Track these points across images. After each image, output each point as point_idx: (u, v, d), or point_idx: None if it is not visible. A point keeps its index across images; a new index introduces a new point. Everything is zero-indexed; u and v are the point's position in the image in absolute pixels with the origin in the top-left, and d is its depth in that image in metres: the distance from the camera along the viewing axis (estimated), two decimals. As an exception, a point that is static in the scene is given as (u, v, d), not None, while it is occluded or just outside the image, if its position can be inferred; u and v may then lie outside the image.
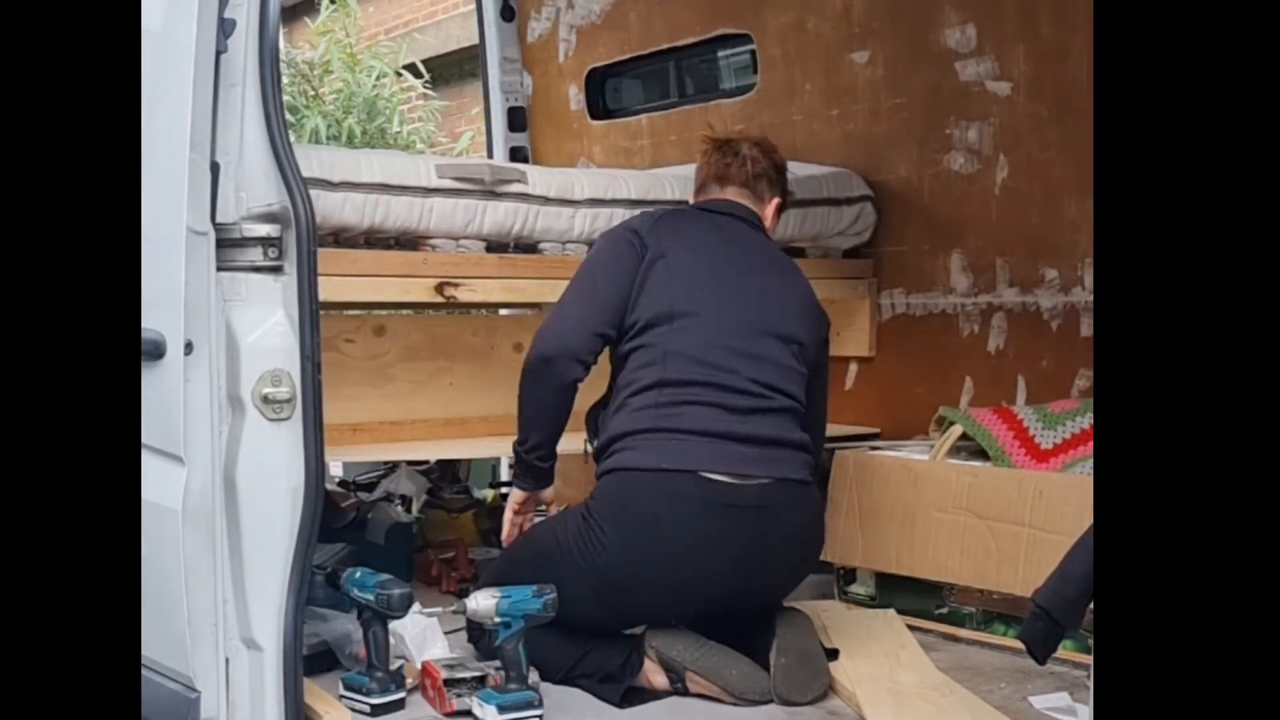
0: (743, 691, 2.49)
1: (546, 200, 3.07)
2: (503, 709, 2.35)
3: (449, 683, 2.45)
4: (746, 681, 2.50)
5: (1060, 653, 2.42)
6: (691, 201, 2.98)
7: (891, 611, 2.96)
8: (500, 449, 3.73)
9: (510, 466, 4.31)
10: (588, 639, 2.56)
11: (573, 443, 2.99)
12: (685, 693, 2.52)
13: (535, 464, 2.71)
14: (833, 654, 2.67)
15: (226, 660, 2.22)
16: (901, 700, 2.43)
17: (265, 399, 2.20)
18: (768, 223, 2.91)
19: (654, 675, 2.53)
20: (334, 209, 2.71)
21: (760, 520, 2.53)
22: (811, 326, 2.76)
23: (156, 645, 2.13)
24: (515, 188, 3.02)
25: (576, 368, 2.60)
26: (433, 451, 3.49)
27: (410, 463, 3.86)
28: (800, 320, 2.74)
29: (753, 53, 4.00)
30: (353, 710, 2.42)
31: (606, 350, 2.70)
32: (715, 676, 2.49)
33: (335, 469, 4.05)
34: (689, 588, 2.52)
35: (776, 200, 2.93)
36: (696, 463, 2.52)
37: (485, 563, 3.46)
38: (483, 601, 2.44)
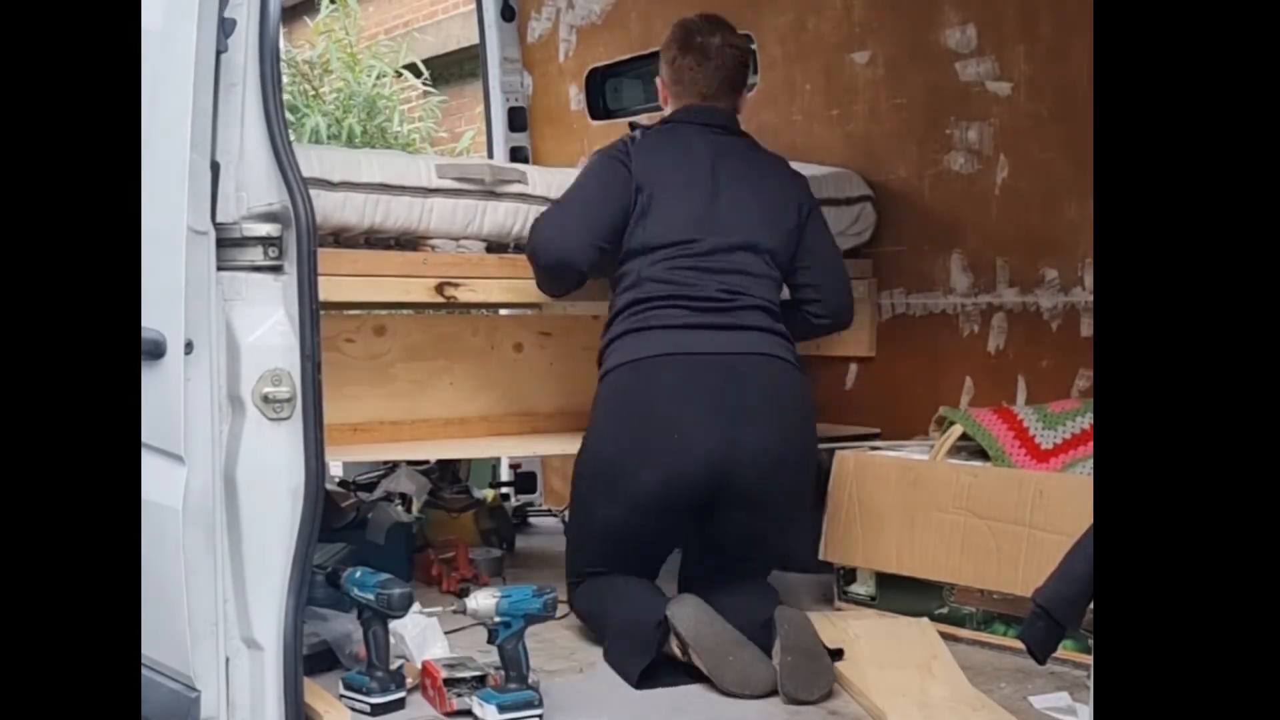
0: (730, 685, 2.52)
1: (547, 200, 3.07)
2: (503, 709, 2.36)
3: (449, 682, 2.45)
4: (737, 675, 2.53)
5: (1060, 653, 2.42)
6: (664, 107, 3.10)
7: (925, 621, 2.93)
8: (501, 449, 3.74)
9: (511, 466, 4.34)
10: (636, 610, 2.71)
11: (571, 445, 3.02)
12: (693, 668, 2.59)
13: None
14: (837, 654, 2.67)
15: (226, 660, 2.22)
16: (931, 714, 2.41)
17: (265, 398, 2.20)
18: (741, 113, 3.09)
19: (675, 643, 2.63)
20: (334, 209, 2.72)
21: (727, 380, 2.75)
22: (780, 228, 2.95)
23: (156, 645, 2.13)
24: (515, 188, 3.02)
25: (577, 273, 2.94)
26: (433, 451, 3.49)
27: (410, 463, 3.86)
28: (769, 228, 2.93)
29: (753, 52, 4.00)
30: (353, 710, 2.42)
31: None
32: (709, 659, 2.55)
33: (335, 469, 4.05)
34: (675, 442, 2.71)
35: (744, 89, 3.13)
36: (664, 348, 2.78)
37: (485, 563, 3.47)
38: (483, 601, 2.44)
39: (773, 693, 2.52)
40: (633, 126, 3.08)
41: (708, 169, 2.93)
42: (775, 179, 3.03)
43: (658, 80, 3.12)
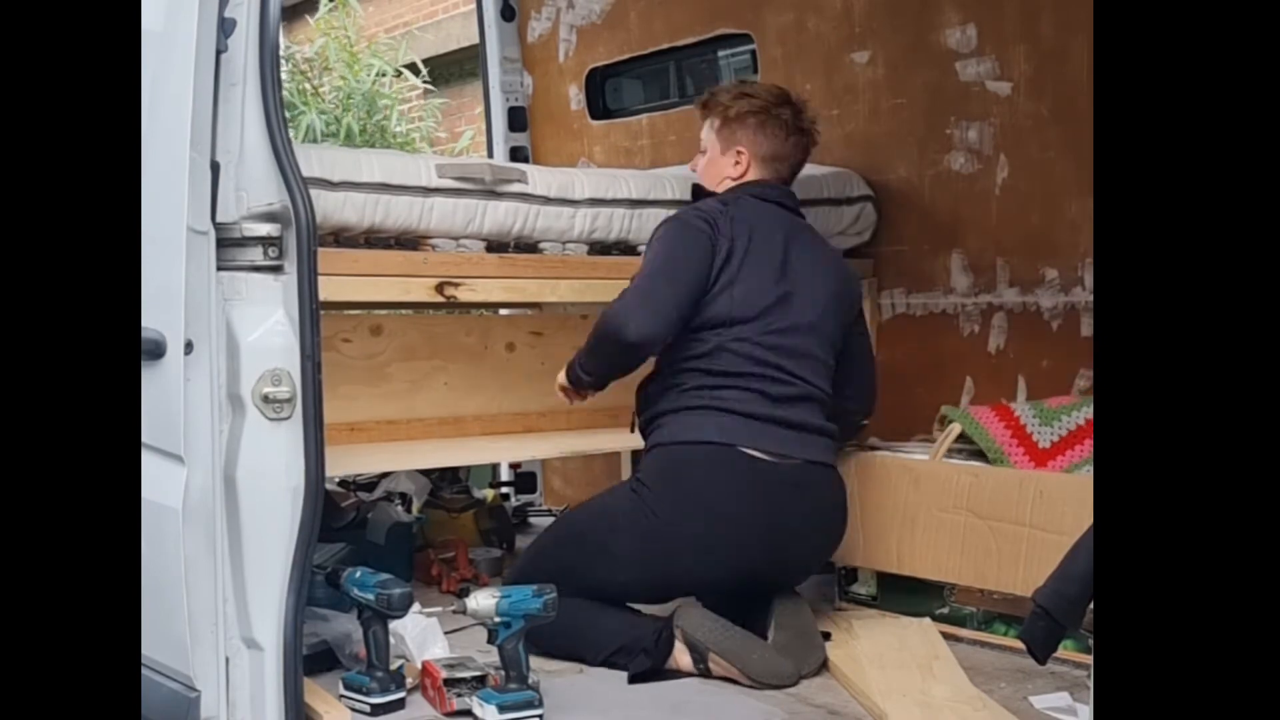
0: (760, 675, 2.60)
1: (547, 200, 3.07)
2: (503, 709, 2.36)
3: (449, 682, 2.45)
4: (766, 666, 2.61)
5: (1060, 652, 2.42)
6: (728, 171, 2.99)
7: (927, 621, 2.95)
8: (501, 453, 3.72)
9: (511, 466, 4.33)
10: (626, 624, 2.71)
11: (575, 445, 3.00)
12: (708, 674, 2.62)
13: (589, 384, 2.91)
14: (825, 636, 2.82)
15: (226, 660, 2.22)
16: (932, 714, 2.41)
17: (265, 398, 2.20)
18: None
19: (681, 656, 2.65)
20: (334, 208, 2.71)
21: (792, 496, 2.74)
22: (842, 316, 2.95)
23: (156, 645, 2.13)
24: (515, 187, 3.01)
25: (656, 348, 2.81)
26: (432, 459, 3.45)
27: (410, 462, 3.86)
28: (834, 316, 2.92)
29: (753, 53, 4.00)
30: (353, 710, 2.42)
31: None
32: (736, 659, 2.61)
33: (335, 469, 4.05)
34: (724, 552, 2.69)
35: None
36: (739, 439, 2.72)
37: (485, 563, 3.46)
38: (483, 601, 2.44)
39: (797, 682, 2.62)
40: (699, 193, 3.03)
41: (782, 248, 2.88)
42: (837, 272, 3.00)
43: (715, 138, 3.00)
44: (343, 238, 2.81)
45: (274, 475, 2.22)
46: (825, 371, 2.89)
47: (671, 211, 3.16)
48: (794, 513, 2.75)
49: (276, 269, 2.25)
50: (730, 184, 2.97)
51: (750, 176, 2.97)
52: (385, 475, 3.85)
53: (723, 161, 2.99)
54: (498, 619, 2.42)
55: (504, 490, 4.31)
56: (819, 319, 2.88)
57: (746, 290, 2.81)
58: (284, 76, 7.60)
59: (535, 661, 2.51)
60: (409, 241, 2.92)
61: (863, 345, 3.07)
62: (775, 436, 2.75)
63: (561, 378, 2.95)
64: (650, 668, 2.63)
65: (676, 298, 2.75)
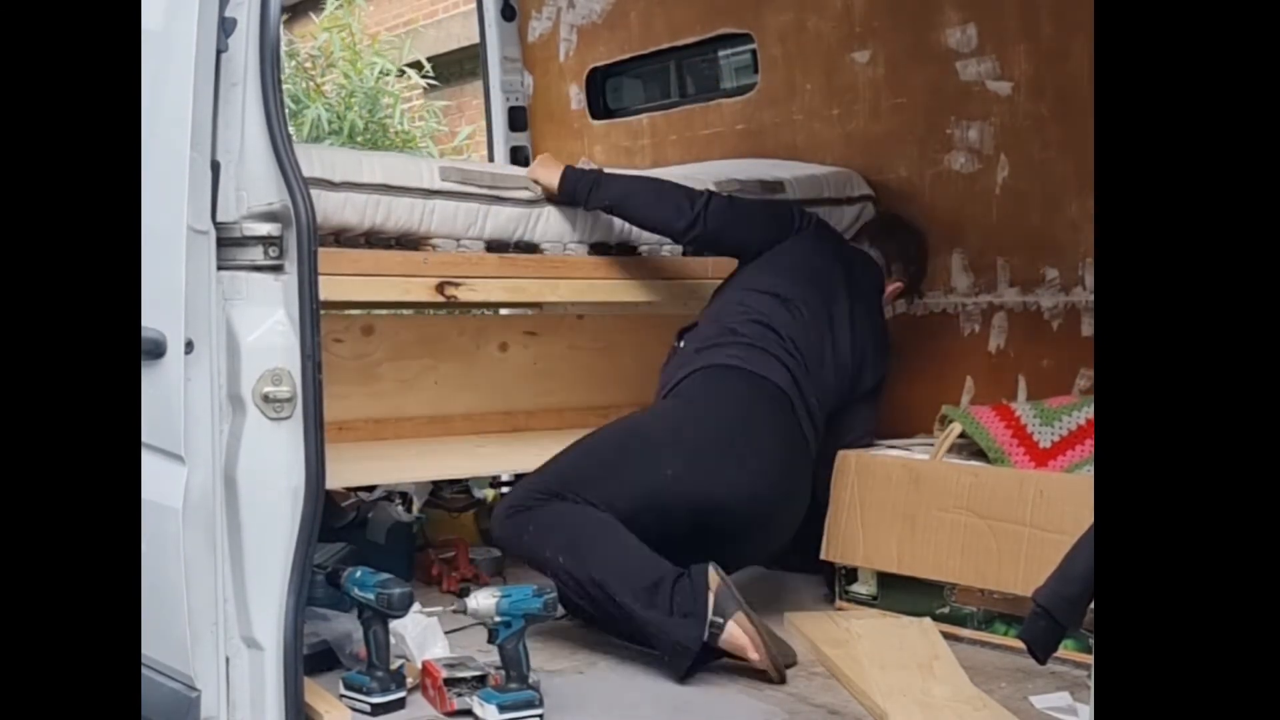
0: (775, 648, 2.61)
1: (549, 202, 3.07)
2: (503, 708, 2.36)
3: (449, 682, 2.45)
4: (779, 644, 2.66)
5: (1061, 652, 2.41)
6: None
7: (927, 620, 2.94)
8: (490, 462, 3.68)
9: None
10: (649, 559, 2.68)
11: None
12: (717, 636, 2.58)
13: (599, 207, 3.16)
14: None
15: (227, 660, 2.22)
16: (932, 714, 2.40)
17: (266, 398, 2.20)
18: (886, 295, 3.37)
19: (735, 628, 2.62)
20: (335, 209, 2.71)
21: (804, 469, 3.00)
22: None
23: (156, 645, 2.13)
24: (519, 194, 3.02)
25: None
26: (421, 468, 3.41)
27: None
28: None
29: (753, 52, 4.00)
30: (353, 710, 2.42)
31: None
32: (770, 654, 2.59)
33: (335, 468, 4.04)
34: (743, 472, 2.85)
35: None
36: (794, 394, 2.99)
37: (485, 562, 3.46)
38: (483, 600, 2.44)
39: (785, 679, 2.63)
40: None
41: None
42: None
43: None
44: (343, 238, 2.82)
45: (274, 475, 2.22)
46: None
47: None
48: (786, 452, 2.96)
49: (277, 269, 2.25)
50: None
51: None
52: (384, 475, 3.84)
53: None
54: (498, 619, 2.42)
55: (504, 490, 4.30)
56: None
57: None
58: (287, 72, 7.61)
59: (535, 661, 2.51)
60: (409, 242, 2.92)
61: None
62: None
63: (549, 178, 3.10)
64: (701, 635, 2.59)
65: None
